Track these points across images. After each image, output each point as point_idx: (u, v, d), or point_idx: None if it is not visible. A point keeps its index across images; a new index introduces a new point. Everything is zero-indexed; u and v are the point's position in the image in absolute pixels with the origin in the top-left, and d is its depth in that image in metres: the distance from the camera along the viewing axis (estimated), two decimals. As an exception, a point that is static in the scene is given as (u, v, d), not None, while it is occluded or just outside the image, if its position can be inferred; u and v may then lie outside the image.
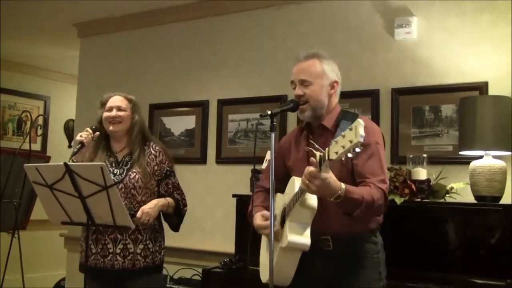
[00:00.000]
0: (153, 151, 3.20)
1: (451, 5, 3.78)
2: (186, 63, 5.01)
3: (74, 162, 2.97)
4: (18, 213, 4.29)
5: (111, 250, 3.03)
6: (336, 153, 2.03)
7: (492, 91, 3.55)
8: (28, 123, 7.24)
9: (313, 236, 2.40)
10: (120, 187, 3.04)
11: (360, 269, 2.47)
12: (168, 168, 3.22)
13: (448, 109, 3.72)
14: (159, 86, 5.14)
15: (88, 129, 3.10)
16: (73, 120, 6.34)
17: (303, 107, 2.55)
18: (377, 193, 2.35)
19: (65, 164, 2.64)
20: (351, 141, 1.97)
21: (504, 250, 3.00)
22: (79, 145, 3.03)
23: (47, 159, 4.89)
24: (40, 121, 7.22)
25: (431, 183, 3.32)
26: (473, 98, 3.39)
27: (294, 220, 2.40)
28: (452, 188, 3.32)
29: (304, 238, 2.38)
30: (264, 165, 3.87)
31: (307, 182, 2.20)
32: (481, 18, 3.67)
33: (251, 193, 3.62)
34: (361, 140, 1.94)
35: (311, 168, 2.18)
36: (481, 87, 3.59)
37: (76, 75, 5.90)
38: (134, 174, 3.09)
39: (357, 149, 1.97)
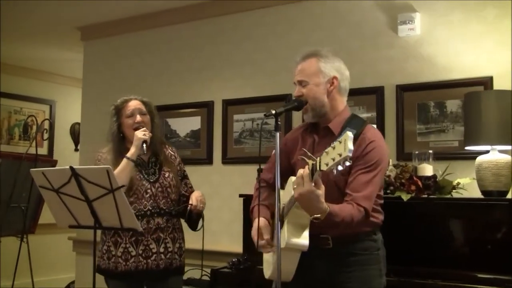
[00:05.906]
0: (171, 152, 3.25)
1: (454, 0, 3.77)
2: (190, 64, 5.01)
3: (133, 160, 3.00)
4: (26, 217, 4.31)
5: (154, 250, 3.04)
6: (327, 164, 2.03)
7: (497, 85, 3.54)
8: (34, 127, 7.26)
9: (312, 234, 2.40)
10: (156, 186, 3.06)
11: (361, 266, 2.48)
12: (184, 169, 3.28)
13: (453, 105, 3.70)
14: (163, 87, 5.14)
15: (145, 128, 3.08)
16: (79, 124, 6.36)
17: (305, 107, 2.56)
18: (358, 214, 2.36)
19: (71, 167, 2.64)
20: (340, 155, 1.96)
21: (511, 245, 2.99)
22: (144, 144, 3.03)
23: (54, 163, 4.91)
24: (46, 125, 7.24)
25: (437, 179, 3.31)
26: (478, 93, 3.37)
27: (292, 222, 2.40)
28: (458, 183, 3.31)
29: (302, 240, 2.37)
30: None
31: (297, 183, 2.21)
32: (485, 13, 3.66)
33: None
34: (349, 154, 1.92)
35: (306, 171, 2.18)
36: (486, 82, 3.58)
37: (80, 79, 5.91)
38: (168, 173, 3.12)
39: (347, 163, 1.96)
